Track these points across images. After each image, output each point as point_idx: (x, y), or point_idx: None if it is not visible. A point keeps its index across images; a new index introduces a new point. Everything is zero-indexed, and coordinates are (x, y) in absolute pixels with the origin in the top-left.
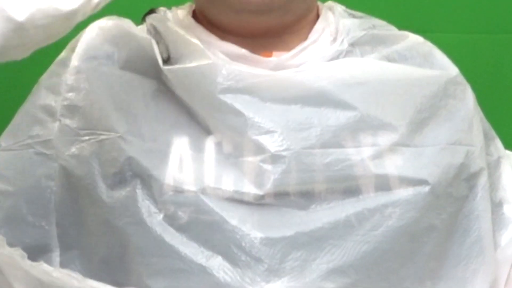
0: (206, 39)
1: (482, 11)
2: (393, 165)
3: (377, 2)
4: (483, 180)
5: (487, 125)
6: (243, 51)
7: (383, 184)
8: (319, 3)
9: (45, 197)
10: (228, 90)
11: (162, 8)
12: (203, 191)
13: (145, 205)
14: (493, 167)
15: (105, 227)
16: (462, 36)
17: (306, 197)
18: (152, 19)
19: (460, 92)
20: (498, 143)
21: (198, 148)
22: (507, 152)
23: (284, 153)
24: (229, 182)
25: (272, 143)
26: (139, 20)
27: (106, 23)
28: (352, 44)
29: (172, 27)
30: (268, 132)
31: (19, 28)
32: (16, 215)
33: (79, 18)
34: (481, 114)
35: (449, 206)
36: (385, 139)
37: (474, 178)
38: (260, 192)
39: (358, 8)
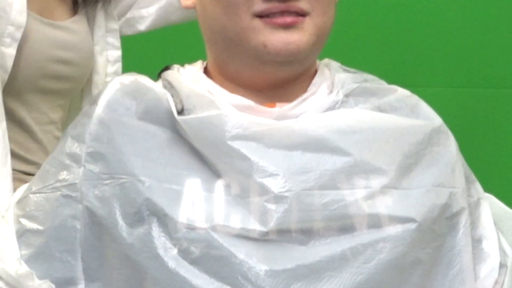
0: (215, 92)
1: (463, 67)
2: (384, 205)
3: (369, 59)
4: (464, 219)
5: (468, 169)
6: (249, 103)
7: (375, 222)
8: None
9: (71, 235)
10: (236, 137)
11: (175, 65)
12: (213, 228)
13: (161, 241)
14: (474, 207)
15: (125, 261)
16: (445, 90)
17: (306, 233)
18: (167, 75)
19: (444, 140)
20: (478, 186)
21: (208, 189)
22: (486, 194)
23: (286, 194)
24: (236, 220)
25: (275, 185)
26: (155, 75)
27: (125, 78)
28: (346, 95)
29: (185, 82)
30: (271, 175)
31: None
32: (45, 251)
33: None
34: (462, 159)
35: (433, 241)
36: (377, 182)
37: (456, 217)
38: (265, 229)
39: (352, 65)
